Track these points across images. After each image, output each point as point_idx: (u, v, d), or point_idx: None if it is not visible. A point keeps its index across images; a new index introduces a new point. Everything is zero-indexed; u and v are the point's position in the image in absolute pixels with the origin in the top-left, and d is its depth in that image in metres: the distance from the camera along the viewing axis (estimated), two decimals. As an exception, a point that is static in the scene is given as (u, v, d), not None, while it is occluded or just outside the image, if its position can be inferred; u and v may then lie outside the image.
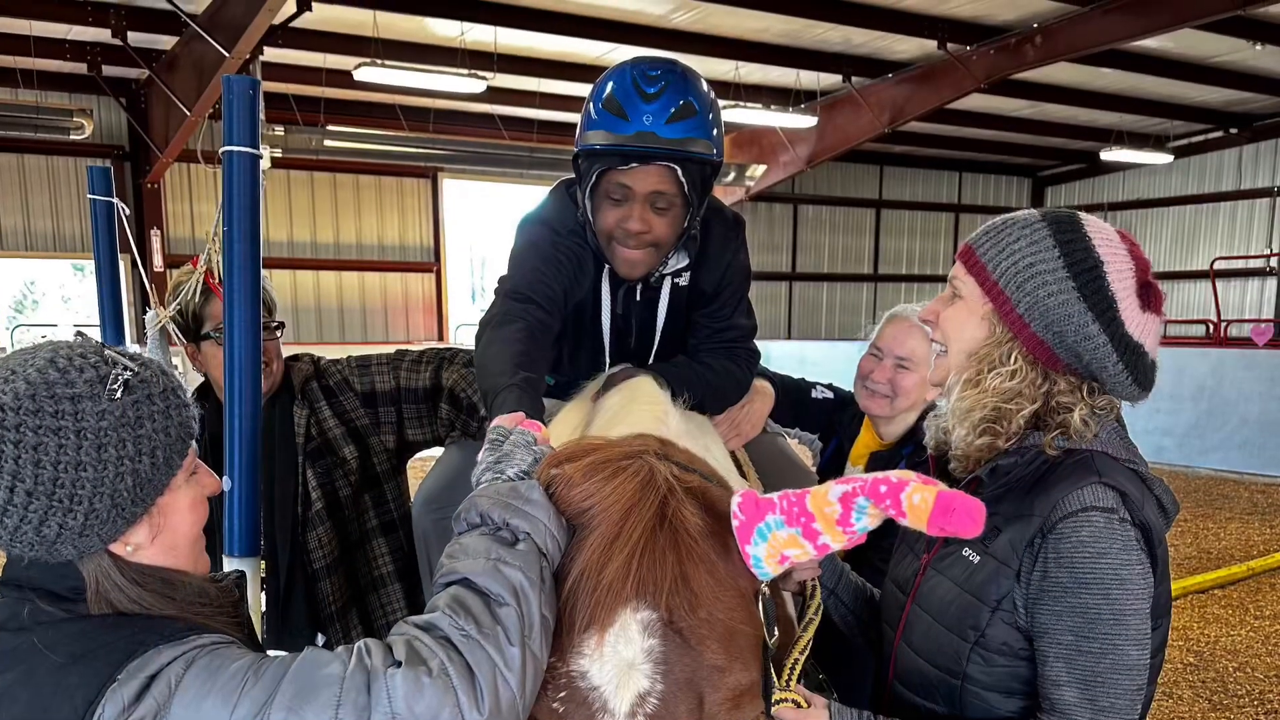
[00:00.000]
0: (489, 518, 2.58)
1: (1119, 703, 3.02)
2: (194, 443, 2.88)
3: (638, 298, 4.72)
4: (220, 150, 3.89)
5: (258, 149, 3.87)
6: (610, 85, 4.34)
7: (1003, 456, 3.26)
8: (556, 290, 4.42)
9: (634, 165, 4.25)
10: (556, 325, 4.42)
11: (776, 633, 2.76)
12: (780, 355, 28.08)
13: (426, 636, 2.36)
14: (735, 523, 2.58)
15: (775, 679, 2.97)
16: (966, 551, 3.29)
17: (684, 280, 4.71)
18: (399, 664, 2.31)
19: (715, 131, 4.38)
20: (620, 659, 2.48)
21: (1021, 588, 3.13)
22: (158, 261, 25.52)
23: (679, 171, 4.26)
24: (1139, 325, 3.17)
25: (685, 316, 4.82)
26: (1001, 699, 3.23)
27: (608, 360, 4.79)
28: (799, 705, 3.11)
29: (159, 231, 26.07)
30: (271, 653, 2.55)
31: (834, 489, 2.46)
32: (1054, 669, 3.06)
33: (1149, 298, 3.20)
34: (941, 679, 3.31)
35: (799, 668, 3.14)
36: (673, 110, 4.22)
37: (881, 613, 3.77)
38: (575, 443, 2.91)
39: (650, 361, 4.81)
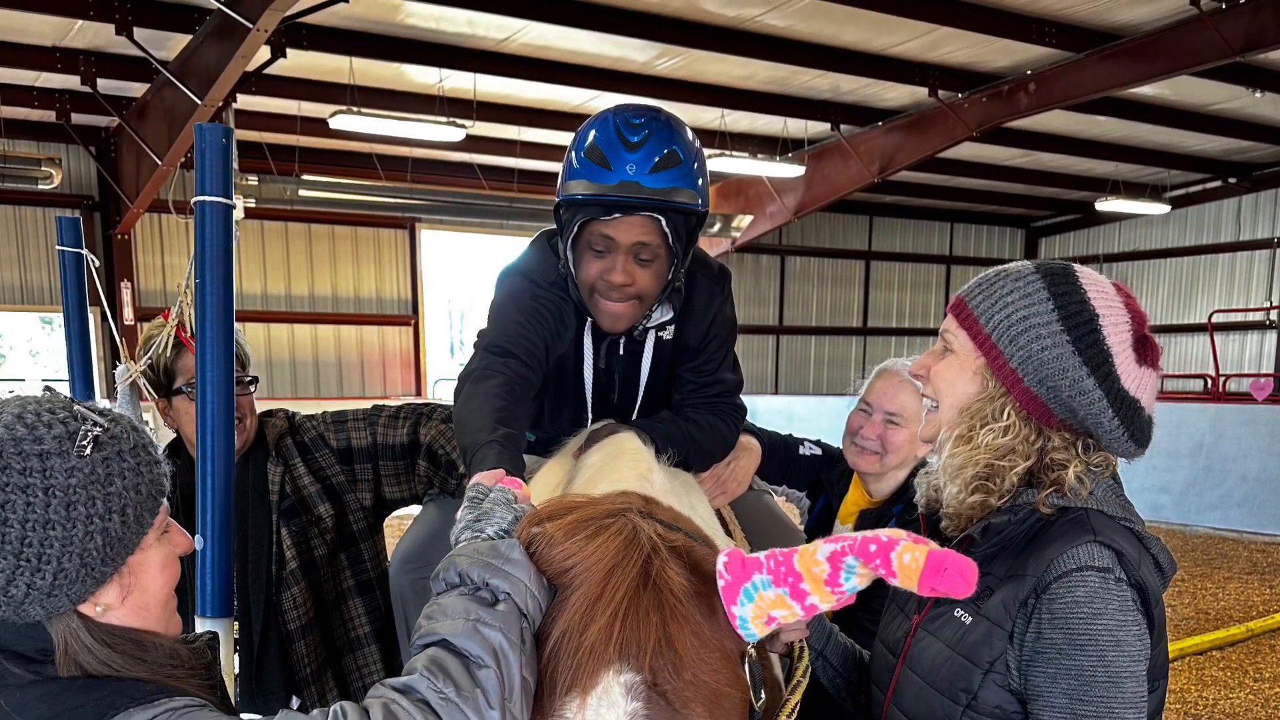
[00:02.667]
0: (468, 577, 2.57)
1: None
2: (165, 500, 2.87)
3: (621, 351, 4.72)
4: (192, 200, 3.89)
5: (230, 199, 3.87)
6: (592, 134, 4.34)
7: (995, 514, 3.26)
8: (537, 344, 4.42)
9: (617, 216, 4.25)
10: (537, 380, 4.42)
11: (763, 695, 2.75)
12: (767, 411, 28.12)
13: (404, 700, 2.34)
14: (721, 582, 2.57)
15: None
16: (958, 612, 3.29)
17: (668, 334, 4.71)
18: None
19: (700, 181, 4.38)
20: (603, 724, 2.45)
21: (1014, 649, 3.13)
22: (128, 314, 25.46)
23: (663, 222, 4.26)
24: (1135, 380, 3.19)
25: (669, 370, 4.82)
26: None
27: (590, 415, 4.79)
28: None
29: (130, 284, 25.99)
30: (245, 716, 2.54)
31: (822, 548, 2.47)
32: None
33: (1145, 352, 3.23)
34: (932, 742, 3.30)
35: None
36: (656, 160, 4.22)
37: (870, 674, 3.76)
38: (556, 501, 2.89)
39: (634, 417, 4.81)
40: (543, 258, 4.68)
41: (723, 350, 4.86)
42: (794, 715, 3.20)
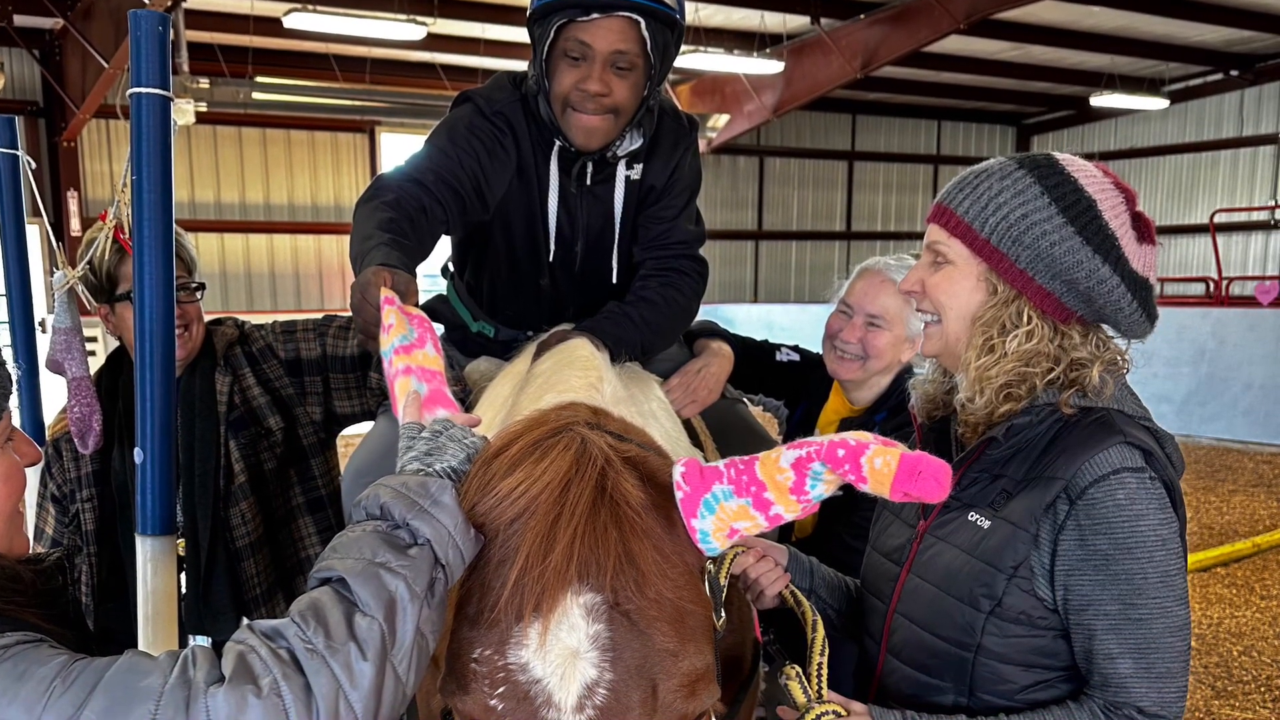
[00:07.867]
0: (389, 512, 2.45)
1: (1174, 666, 3.14)
2: (7, 406, 2.81)
3: (589, 182, 4.73)
4: (128, 93, 3.83)
5: (168, 90, 3.81)
6: None
7: (1018, 415, 3.31)
8: (457, 175, 4.43)
9: (595, 16, 4.23)
10: (441, 213, 4.36)
11: (724, 615, 2.73)
12: (746, 320, 28.09)
13: (264, 648, 2.20)
14: (679, 494, 2.54)
15: (807, 687, 3.09)
16: (973, 516, 3.35)
17: (636, 173, 4.74)
18: (223, 679, 2.20)
19: None
20: (564, 648, 2.41)
21: (1039, 554, 3.20)
22: (75, 225, 25.33)
23: (642, 25, 4.26)
24: (1141, 259, 3.27)
25: (634, 225, 4.86)
26: (1020, 671, 3.29)
27: (551, 251, 4.82)
28: (840, 714, 3.13)
29: (76, 193, 25.85)
30: (122, 657, 2.42)
31: (786, 454, 2.44)
32: (1104, 642, 3.14)
33: (1142, 228, 3.29)
34: (948, 650, 3.35)
35: (824, 672, 3.17)
36: None
37: (866, 585, 3.80)
38: (500, 434, 2.83)
39: (613, 265, 4.89)
40: (497, 85, 4.75)
41: (685, 197, 4.92)
42: (826, 653, 3.20)
